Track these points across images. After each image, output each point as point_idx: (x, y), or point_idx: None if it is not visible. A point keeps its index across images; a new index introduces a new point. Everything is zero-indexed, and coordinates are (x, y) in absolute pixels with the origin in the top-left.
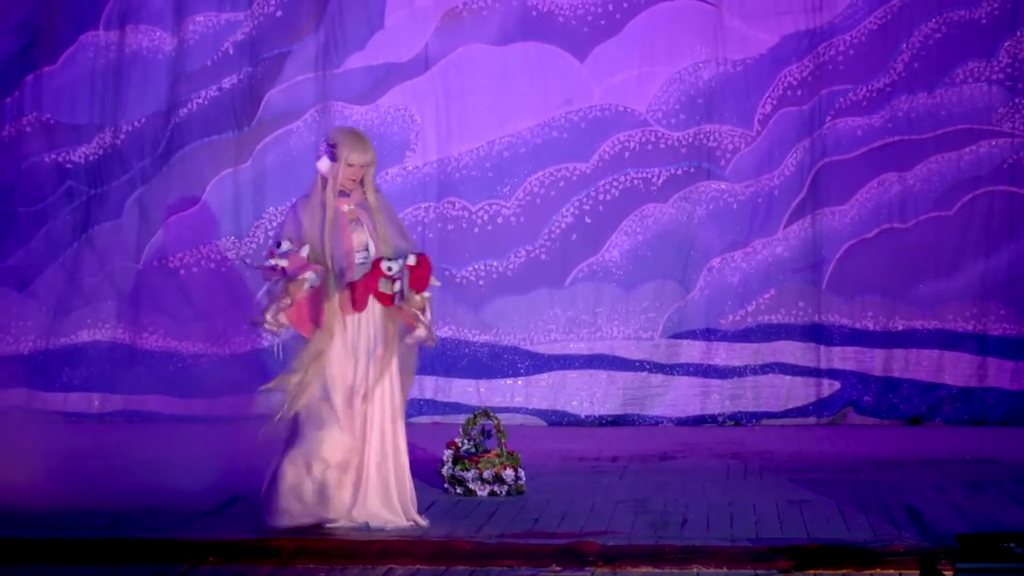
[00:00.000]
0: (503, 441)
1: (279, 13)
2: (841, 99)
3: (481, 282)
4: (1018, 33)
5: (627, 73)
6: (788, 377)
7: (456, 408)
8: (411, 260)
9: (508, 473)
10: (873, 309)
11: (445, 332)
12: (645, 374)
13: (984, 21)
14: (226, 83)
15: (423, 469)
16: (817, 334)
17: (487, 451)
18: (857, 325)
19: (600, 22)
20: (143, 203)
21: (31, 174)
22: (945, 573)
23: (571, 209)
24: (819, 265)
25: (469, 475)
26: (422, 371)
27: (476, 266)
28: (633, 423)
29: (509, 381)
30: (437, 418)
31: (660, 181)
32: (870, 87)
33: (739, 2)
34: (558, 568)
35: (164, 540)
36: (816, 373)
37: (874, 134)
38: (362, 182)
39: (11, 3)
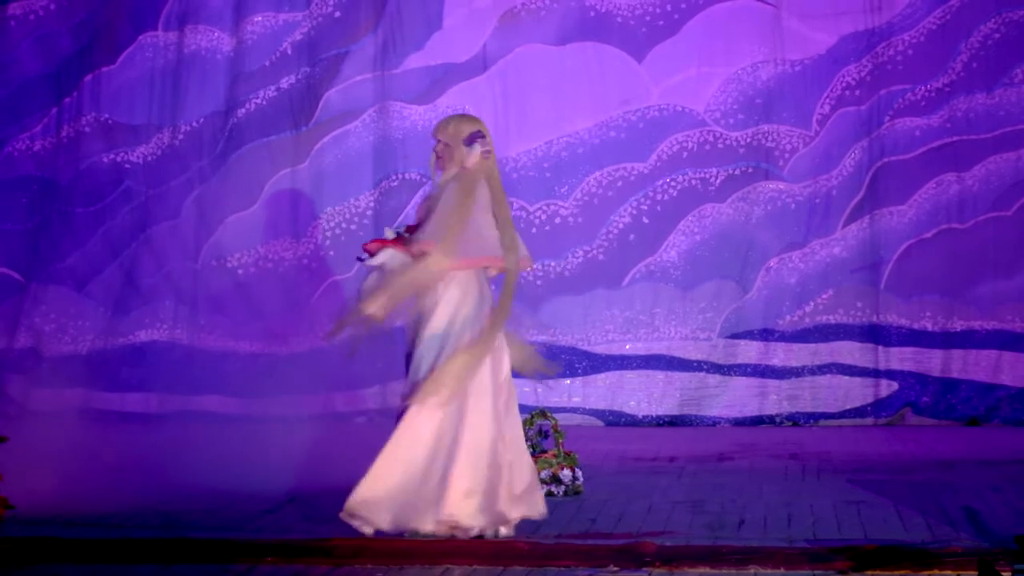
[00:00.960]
0: (560, 441)
1: (337, 13)
2: (899, 99)
3: (539, 282)
4: None
5: (685, 73)
6: (846, 378)
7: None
8: (389, 234)
9: (565, 473)
10: (931, 309)
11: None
12: (702, 374)
13: None
14: (284, 83)
15: None
16: (875, 334)
17: (544, 451)
18: (915, 326)
19: (658, 22)
20: (201, 203)
21: (89, 174)
22: (1004, 574)
23: (629, 209)
24: (877, 265)
25: None
26: None
27: (534, 266)
28: (690, 423)
29: (567, 381)
30: None
31: (718, 181)
32: (928, 87)
33: (798, 2)
34: (615, 568)
35: (222, 540)
36: (874, 374)
37: (932, 134)
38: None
39: (70, 3)
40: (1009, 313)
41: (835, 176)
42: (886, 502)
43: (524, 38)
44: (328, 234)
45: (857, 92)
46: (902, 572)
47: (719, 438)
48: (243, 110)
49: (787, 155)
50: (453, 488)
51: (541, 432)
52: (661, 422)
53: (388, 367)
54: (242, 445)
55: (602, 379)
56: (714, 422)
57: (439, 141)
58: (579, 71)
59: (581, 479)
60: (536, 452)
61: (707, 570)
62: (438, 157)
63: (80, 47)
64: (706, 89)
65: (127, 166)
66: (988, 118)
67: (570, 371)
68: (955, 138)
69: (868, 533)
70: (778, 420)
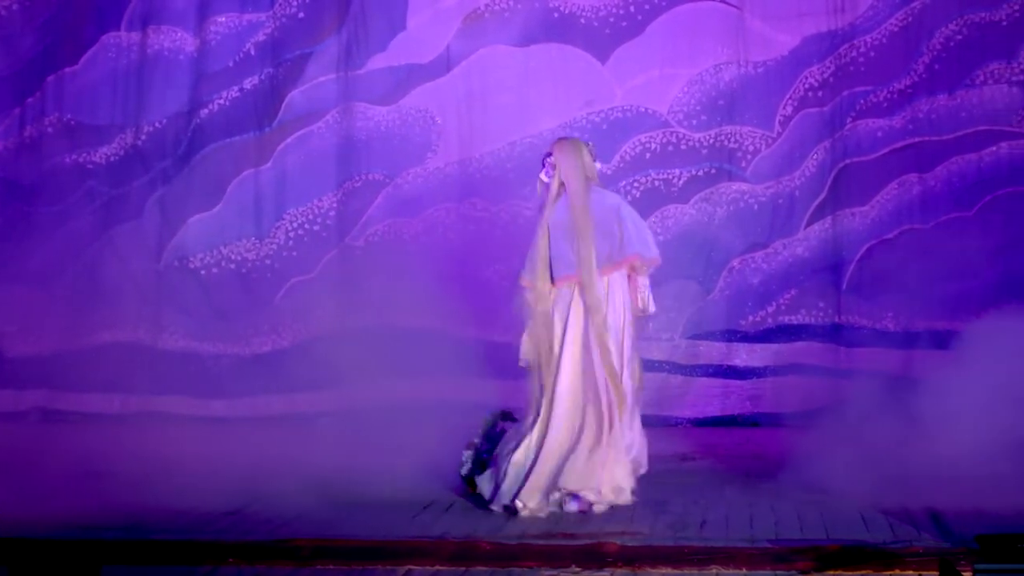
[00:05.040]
0: None
1: (301, 14)
2: (862, 100)
3: (504, 282)
4: None
5: (648, 74)
6: (808, 378)
7: (478, 408)
8: None
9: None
10: (893, 310)
11: (469, 332)
12: (665, 375)
13: (1005, 23)
14: (247, 84)
15: (445, 470)
16: (837, 335)
17: None
18: (877, 326)
19: (622, 23)
20: (164, 204)
21: (52, 175)
22: (964, 574)
23: None
24: (839, 266)
25: None
26: (445, 371)
27: (498, 267)
28: (652, 424)
29: None
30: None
31: (681, 182)
32: (891, 88)
33: (761, 4)
34: (578, 569)
35: (184, 541)
36: (836, 374)
37: (895, 135)
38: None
39: (34, 3)
40: (971, 314)
41: (798, 177)
42: (848, 502)
43: (488, 39)
44: (291, 235)
45: (820, 93)
46: (864, 572)
47: (681, 438)
48: (206, 111)
49: (750, 156)
50: None
51: (502, 433)
52: None
53: (348, 367)
54: (205, 446)
55: None
56: (676, 422)
57: None
58: (543, 72)
59: None
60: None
61: (669, 570)
62: None
63: (43, 47)
64: (669, 90)
65: (90, 166)
66: (950, 119)
67: None
68: (917, 139)
69: (830, 533)
70: (740, 420)
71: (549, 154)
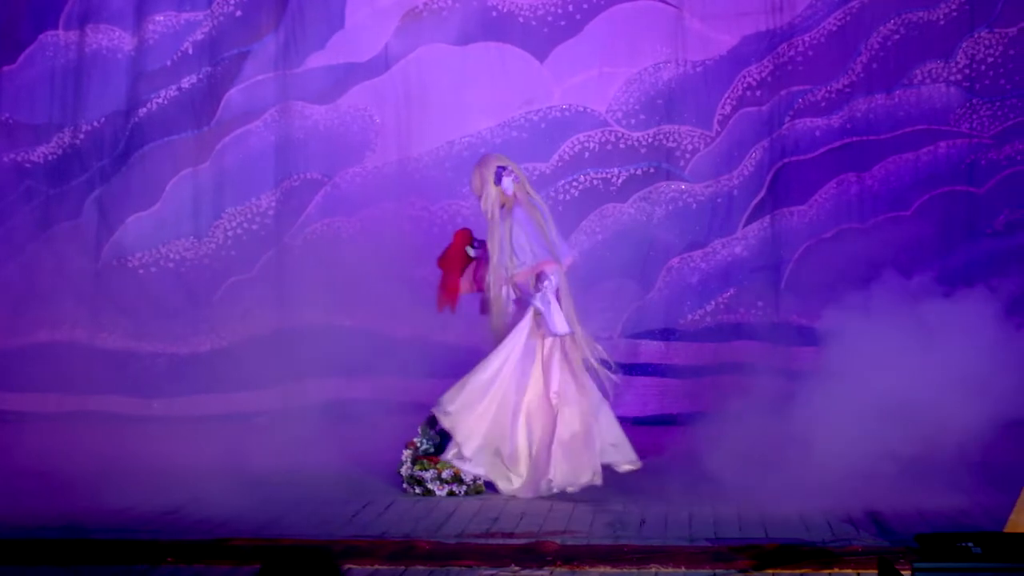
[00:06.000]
0: None
1: (239, 13)
2: (800, 100)
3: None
4: (975, 34)
5: (587, 73)
6: (747, 377)
7: (418, 408)
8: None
9: (467, 473)
10: (831, 308)
11: (406, 331)
12: (604, 373)
13: (942, 23)
14: (186, 83)
15: (384, 469)
16: (776, 334)
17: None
18: (815, 324)
19: (560, 22)
20: (102, 203)
21: None
22: (903, 573)
23: None
24: (778, 265)
25: (428, 475)
26: (383, 370)
27: (436, 266)
28: None
29: None
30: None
31: (620, 181)
32: (829, 88)
33: (699, 3)
34: (517, 568)
35: (122, 541)
36: (775, 372)
37: (833, 134)
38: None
39: None
40: (909, 312)
41: (736, 176)
42: (787, 501)
43: (426, 38)
44: (230, 234)
45: (758, 92)
46: (803, 571)
47: None
48: (144, 109)
49: (688, 155)
50: None
51: (444, 432)
52: None
53: (286, 367)
54: (143, 445)
55: None
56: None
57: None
58: (481, 71)
59: (482, 479)
60: (437, 452)
61: (608, 569)
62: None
63: None
64: (608, 89)
65: (28, 165)
66: (888, 118)
67: None
68: (855, 138)
69: (769, 532)
70: (679, 419)
71: (503, 167)
